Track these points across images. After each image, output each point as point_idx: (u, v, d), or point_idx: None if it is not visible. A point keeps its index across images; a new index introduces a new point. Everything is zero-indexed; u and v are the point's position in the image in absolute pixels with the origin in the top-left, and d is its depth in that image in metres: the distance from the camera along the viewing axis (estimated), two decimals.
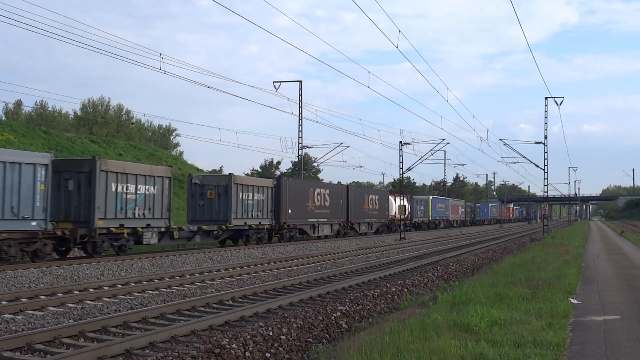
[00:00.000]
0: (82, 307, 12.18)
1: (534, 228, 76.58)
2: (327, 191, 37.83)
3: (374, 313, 11.82)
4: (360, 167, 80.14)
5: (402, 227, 43.89)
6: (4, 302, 12.14)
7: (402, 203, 49.36)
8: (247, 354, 7.84)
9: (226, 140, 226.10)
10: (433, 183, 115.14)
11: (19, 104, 70.41)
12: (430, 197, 65.78)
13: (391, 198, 50.18)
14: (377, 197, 46.99)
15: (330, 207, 37.65)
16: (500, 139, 47.12)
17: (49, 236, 18.77)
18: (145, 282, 15.82)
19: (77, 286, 14.59)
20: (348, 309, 11.34)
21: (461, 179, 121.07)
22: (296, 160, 51.67)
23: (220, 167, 78.84)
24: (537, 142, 46.52)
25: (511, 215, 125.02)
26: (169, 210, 23.58)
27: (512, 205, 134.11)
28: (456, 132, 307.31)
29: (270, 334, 8.78)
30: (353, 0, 18.67)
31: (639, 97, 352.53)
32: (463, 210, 79.94)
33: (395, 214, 49.93)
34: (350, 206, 40.84)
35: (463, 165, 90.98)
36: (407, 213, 51.99)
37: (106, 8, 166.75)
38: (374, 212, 45.76)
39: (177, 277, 17.03)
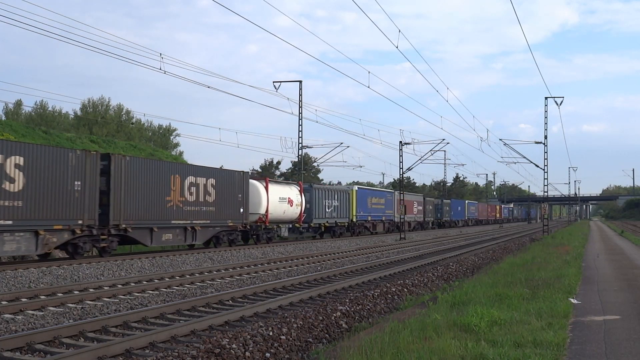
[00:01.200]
0: (82, 307, 12.18)
1: (533, 228, 76.56)
2: (16, 159, 17.84)
3: (374, 313, 11.82)
4: (360, 167, 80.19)
5: (402, 227, 43.87)
6: (4, 302, 12.14)
7: (284, 195, 32.73)
8: (247, 354, 7.84)
9: (226, 140, 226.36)
10: (433, 183, 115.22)
11: (19, 104, 70.53)
12: (355, 187, 43.86)
13: (258, 185, 30.80)
14: (212, 181, 26.44)
15: (27, 194, 18.18)
16: (500, 139, 47.17)
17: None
18: (145, 282, 15.82)
19: (77, 286, 14.60)
20: (348, 309, 11.34)
21: (461, 179, 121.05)
22: (296, 160, 51.70)
23: (220, 167, 78.93)
24: (537, 142, 46.63)
25: (498, 215, 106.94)
26: None
27: (501, 204, 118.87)
28: (456, 132, 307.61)
29: (270, 334, 8.78)
30: (353, 0, 18.69)
31: (639, 97, 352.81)
32: (421, 208, 60.32)
33: (267, 211, 30.79)
34: (117, 194, 21.39)
35: (463, 165, 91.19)
36: (300, 211, 34.71)
37: (106, 8, 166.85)
38: (203, 208, 25.87)
39: (177, 277, 17.03)
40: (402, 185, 47.55)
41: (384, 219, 49.28)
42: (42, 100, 73.07)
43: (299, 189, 35.26)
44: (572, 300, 10.66)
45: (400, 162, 45.12)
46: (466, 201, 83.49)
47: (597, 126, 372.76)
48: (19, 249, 18.19)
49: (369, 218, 46.04)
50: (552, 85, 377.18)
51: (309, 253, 26.64)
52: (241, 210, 28.63)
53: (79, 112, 73.20)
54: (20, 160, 18.03)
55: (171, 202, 24.12)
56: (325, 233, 40.41)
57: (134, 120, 75.81)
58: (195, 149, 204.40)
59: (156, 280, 16.30)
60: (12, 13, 21.11)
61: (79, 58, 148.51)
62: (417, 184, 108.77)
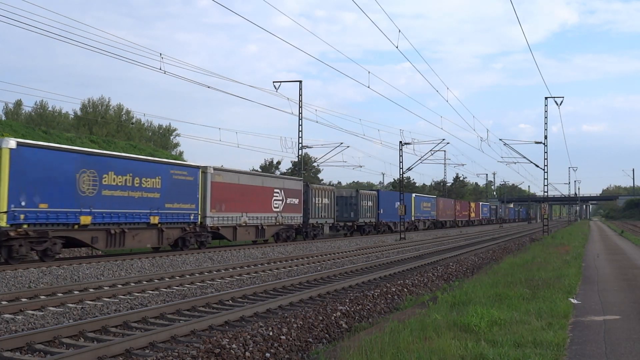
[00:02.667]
0: (82, 307, 12.18)
1: (533, 228, 76.56)
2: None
3: (374, 313, 11.82)
4: (360, 167, 79.87)
5: (402, 227, 43.88)
6: (4, 302, 12.14)
7: None
8: (247, 354, 7.84)
9: (226, 140, 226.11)
10: (433, 183, 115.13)
11: (19, 104, 70.55)
12: (10, 140, 17.50)
13: None
14: None
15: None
16: (500, 139, 47.09)
17: None
18: (145, 282, 15.82)
19: (77, 286, 14.59)
20: (348, 309, 11.34)
21: (461, 179, 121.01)
22: (296, 160, 51.70)
23: (220, 167, 78.96)
24: (537, 142, 46.54)
25: (473, 215, 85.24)
26: None
27: (478, 201, 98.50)
28: (456, 132, 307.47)
29: (270, 334, 8.78)
30: (353, 0, 18.68)
31: (639, 97, 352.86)
32: (296, 201, 34.50)
33: None
34: None
35: (463, 165, 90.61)
36: None
37: (106, 8, 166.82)
38: None
39: (177, 277, 17.03)
40: (402, 185, 47.56)
41: (150, 220, 22.78)
42: (42, 100, 73.16)
43: None
44: (572, 300, 10.66)
45: (400, 162, 45.12)
46: (413, 195, 59.68)
47: (597, 126, 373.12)
48: None
49: (98, 224, 20.62)
50: (552, 85, 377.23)
51: (309, 253, 26.64)
52: None
53: (79, 112, 73.19)
54: None
55: None
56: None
57: (134, 120, 75.81)
58: (195, 149, 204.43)
59: (156, 280, 16.30)
60: (12, 13, 21.09)
61: (79, 58, 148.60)
62: (417, 184, 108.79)
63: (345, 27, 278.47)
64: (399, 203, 48.68)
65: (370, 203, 47.26)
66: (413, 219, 57.04)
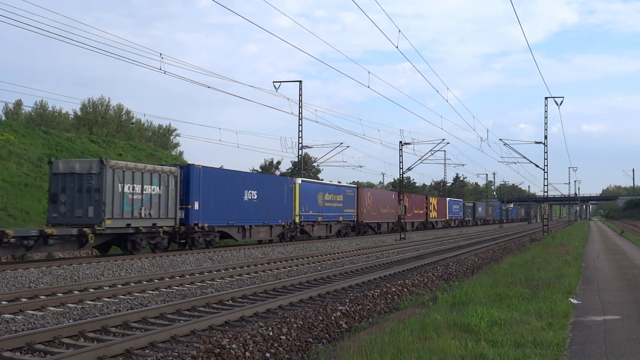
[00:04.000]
0: (82, 307, 12.18)
1: (533, 228, 76.53)
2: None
3: (374, 313, 11.83)
4: (360, 167, 79.69)
5: (402, 227, 43.87)
6: (4, 302, 12.14)
7: None
8: (247, 354, 7.84)
9: (226, 140, 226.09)
10: (433, 183, 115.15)
11: (19, 104, 70.57)
12: None
13: None
14: None
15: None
16: (500, 139, 47.06)
17: None
18: (145, 282, 15.82)
19: (77, 286, 14.59)
20: (348, 309, 11.34)
21: (461, 179, 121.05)
22: (296, 160, 51.70)
23: (220, 167, 78.92)
24: (537, 142, 46.53)
25: (434, 215, 64.63)
26: None
27: (446, 197, 77.92)
28: (456, 132, 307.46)
29: (270, 334, 8.78)
30: (353, 0, 18.69)
31: (638, 97, 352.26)
32: None
33: None
34: None
35: (463, 165, 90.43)
36: None
37: (106, 8, 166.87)
38: None
39: (177, 277, 17.03)
40: (402, 185, 47.56)
41: None
42: (42, 100, 73.16)
43: None
44: (572, 300, 10.66)
45: (400, 162, 45.13)
46: (298, 180, 35.60)
47: (597, 126, 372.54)
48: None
49: None
50: (552, 85, 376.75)
51: (309, 253, 26.65)
52: None
53: (79, 112, 73.23)
54: None
55: None
56: None
57: (134, 120, 75.82)
58: (196, 149, 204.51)
59: (156, 280, 16.30)
60: (12, 13, 21.11)
61: (79, 58, 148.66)
62: (417, 184, 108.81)
63: (345, 27, 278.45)
64: (256, 192, 30.60)
65: (154, 189, 23.04)
66: (297, 220, 34.94)
